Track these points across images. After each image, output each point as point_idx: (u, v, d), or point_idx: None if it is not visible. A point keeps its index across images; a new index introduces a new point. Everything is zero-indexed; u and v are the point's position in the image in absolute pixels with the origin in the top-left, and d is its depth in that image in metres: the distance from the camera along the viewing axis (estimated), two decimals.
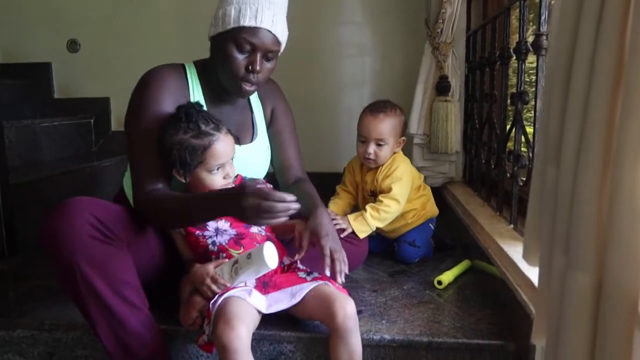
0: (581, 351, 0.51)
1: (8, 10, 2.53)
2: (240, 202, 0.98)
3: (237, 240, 1.18)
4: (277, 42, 1.22)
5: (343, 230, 1.41)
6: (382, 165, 1.54)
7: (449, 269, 1.45)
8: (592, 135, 0.48)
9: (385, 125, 1.50)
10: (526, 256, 0.62)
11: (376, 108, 1.52)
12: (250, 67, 1.17)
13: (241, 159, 1.25)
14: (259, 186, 1.00)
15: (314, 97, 2.45)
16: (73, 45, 2.56)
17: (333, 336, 1.05)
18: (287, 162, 1.40)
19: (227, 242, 1.17)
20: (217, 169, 1.13)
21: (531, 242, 0.60)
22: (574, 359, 0.51)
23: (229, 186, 1.15)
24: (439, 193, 2.00)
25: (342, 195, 1.62)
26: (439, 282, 1.38)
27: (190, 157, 1.09)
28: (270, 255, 1.03)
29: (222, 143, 1.12)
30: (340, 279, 1.16)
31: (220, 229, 1.18)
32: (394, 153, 1.56)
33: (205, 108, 1.19)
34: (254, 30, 1.16)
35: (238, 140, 1.25)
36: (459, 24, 1.94)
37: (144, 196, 1.13)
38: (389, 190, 1.49)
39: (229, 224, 1.19)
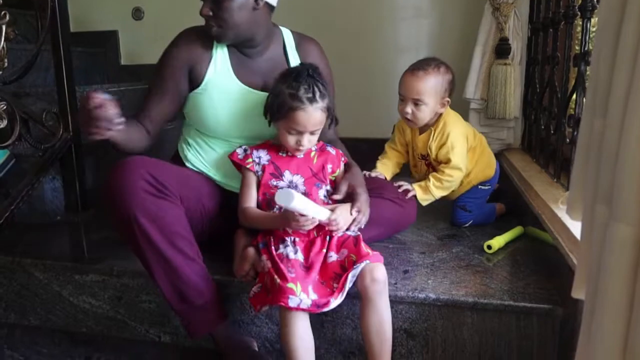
0: (619, 303, 0.50)
1: None
2: None
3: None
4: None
5: (409, 191, 1.45)
6: (432, 129, 1.50)
7: (500, 234, 1.44)
8: None
9: (423, 84, 1.42)
10: (570, 210, 0.61)
11: (417, 65, 1.45)
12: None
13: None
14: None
15: (368, 61, 2.43)
16: (137, 13, 2.66)
17: (362, 299, 1.08)
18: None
19: None
20: (293, 133, 1.18)
21: (575, 195, 0.59)
22: (612, 311, 0.51)
23: (300, 153, 1.23)
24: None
25: (390, 155, 1.61)
26: (489, 247, 1.37)
27: (277, 108, 1.17)
28: (288, 197, 1.03)
29: (305, 114, 1.15)
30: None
31: (293, 183, 1.23)
32: (440, 114, 1.50)
33: (230, 64, 1.30)
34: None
35: (263, 88, 1.32)
36: None
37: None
38: (448, 161, 1.47)
39: (303, 180, 1.24)
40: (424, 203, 1.46)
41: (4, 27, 1.47)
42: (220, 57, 1.32)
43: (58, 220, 1.71)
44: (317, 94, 1.16)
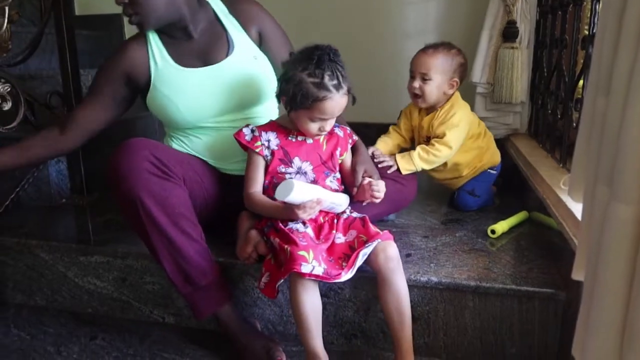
0: (619, 283, 0.50)
1: None
2: None
3: (310, 183, 1.20)
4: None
5: (389, 167, 1.42)
6: (439, 109, 1.51)
7: (504, 219, 1.43)
8: None
9: (432, 60, 1.45)
10: (571, 191, 0.60)
11: (429, 45, 1.49)
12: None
13: (217, 77, 1.28)
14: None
15: (374, 46, 2.40)
16: None
17: (378, 278, 1.09)
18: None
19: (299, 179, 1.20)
20: (317, 120, 1.14)
21: (577, 176, 0.58)
22: (611, 291, 0.51)
23: (319, 136, 1.20)
24: (501, 145, 1.93)
25: (393, 136, 1.61)
26: (492, 231, 1.37)
27: (301, 99, 1.10)
28: (291, 190, 1.05)
29: (333, 102, 1.11)
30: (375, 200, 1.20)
31: (302, 169, 1.21)
32: (450, 97, 1.52)
33: (165, 52, 1.28)
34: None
35: (206, 63, 1.29)
36: None
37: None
38: (443, 135, 1.47)
39: (312, 167, 1.21)
40: (405, 172, 1.43)
41: (7, 9, 1.47)
42: (157, 51, 1.29)
43: (63, 203, 1.72)
44: (341, 79, 1.11)
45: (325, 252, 1.10)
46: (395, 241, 1.33)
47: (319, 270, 1.02)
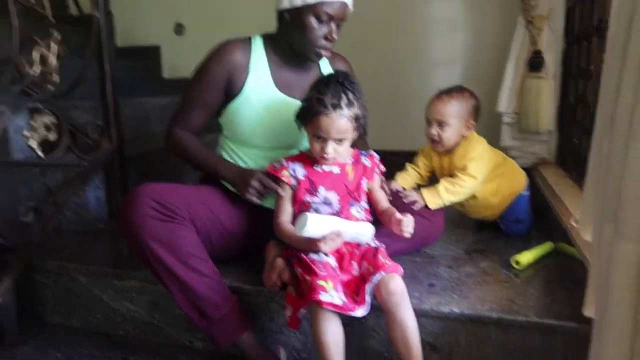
0: (625, 320, 0.51)
1: None
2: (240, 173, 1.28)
3: (336, 215, 1.23)
4: (349, 9, 1.32)
5: (415, 202, 1.44)
6: (456, 147, 1.53)
7: (529, 249, 1.42)
8: None
9: (448, 107, 1.49)
10: (581, 228, 0.62)
11: (442, 91, 1.53)
12: (328, 37, 1.29)
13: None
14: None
15: (401, 75, 2.45)
16: (179, 29, 2.78)
17: (383, 310, 1.09)
18: None
19: (326, 213, 1.23)
20: (317, 139, 1.19)
21: (586, 214, 0.60)
22: (617, 328, 0.52)
23: (327, 162, 1.23)
24: (528, 174, 1.94)
25: (411, 173, 1.63)
26: (517, 262, 1.37)
27: (304, 114, 1.20)
28: (305, 225, 1.12)
29: (328, 120, 1.15)
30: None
31: (327, 199, 1.24)
32: (465, 136, 1.54)
33: (270, 73, 1.35)
34: (332, 3, 1.27)
35: (298, 95, 1.34)
36: None
37: (173, 131, 1.41)
38: (464, 168, 1.49)
39: (337, 197, 1.24)
40: (432, 206, 1.45)
41: (54, 45, 1.58)
42: (260, 67, 1.36)
43: (101, 228, 1.80)
44: (344, 102, 1.16)
45: (343, 284, 1.12)
46: (419, 271, 1.36)
47: (337, 300, 1.04)
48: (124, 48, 2.85)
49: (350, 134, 1.20)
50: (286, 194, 1.25)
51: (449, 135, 1.51)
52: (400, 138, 2.36)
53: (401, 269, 1.13)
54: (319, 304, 1.03)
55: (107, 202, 1.82)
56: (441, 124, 1.50)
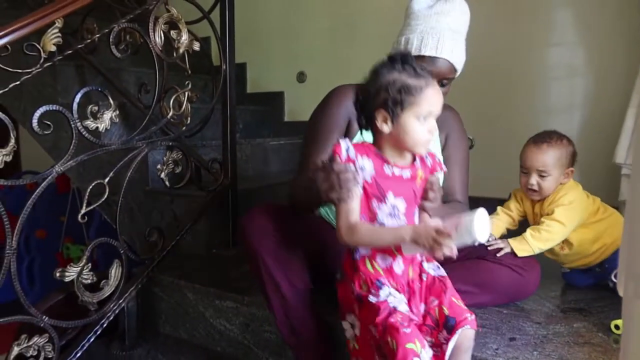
0: None
1: (257, 49, 3.13)
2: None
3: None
4: (454, 70, 1.33)
5: (500, 249, 1.39)
6: (553, 193, 1.46)
7: None
8: None
9: (549, 156, 1.43)
10: (618, 286, 0.59)
11: (539, 138, 1.47)
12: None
13: None
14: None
15: (516, 124, 2.38)
16: (301, 77, 3.03)
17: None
18: (449, 188, 1.43)
19: (389, 224, 1.05)
20: (425, 118, 1.01)
21: (621, 272, 0.57)
22: None
23: (429, 144, 1.04)
24: None
25: (502, 217, 1.57)
26: (617, 327, 1.25)
27: (404, 95, 1.00)
28: (481, 226, 0.90)
29: (435, 90, 1.02)
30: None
31: (396, 208, 1.04)
32: (562, 183, 1.47)
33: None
34: (433, 59, 1.29)
35: None
36: None
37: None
38: (551, 212, 1.42)
39: (405, 206, 1.05)
40: (520, 253, 1.39)
41: (187, 93, 1.86)
42: None
43: (213, 253, 2.01)
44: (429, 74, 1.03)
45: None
46: (504, 323, 1.32)
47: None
48: (253, 94, 3.18)
49: None
50: (359, 190, 1.03)
51: (549, 184, 1.46)
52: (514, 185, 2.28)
53: (475, 321, 1.02)
54: None
55: (220, 231, 2.03)
56: (542, 174, 1.45)
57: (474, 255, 1.39)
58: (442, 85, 1.30)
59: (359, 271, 1.05)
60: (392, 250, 1.03)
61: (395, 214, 1.04)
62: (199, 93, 2.06)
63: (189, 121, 1.90)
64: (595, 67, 2.22)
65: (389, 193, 1.03)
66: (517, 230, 1.54)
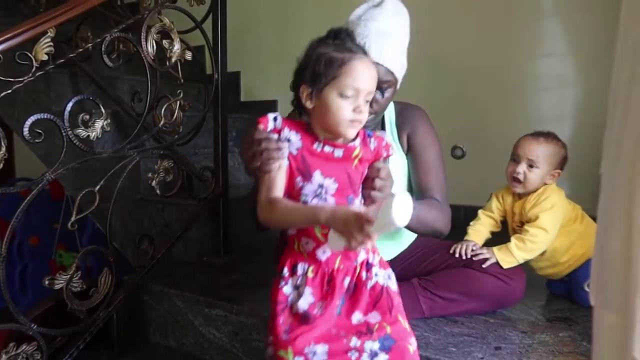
0: None
1: (251, 58, 3.14)
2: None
3: None
4: (388, 72, 1.25)
5: (486, 260, 1.39)
6: (532, 194, 1.47)
7: None
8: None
9: (542, 149, 1.44)
10: (590, 296, 0.60)
11: (538, 132, 1.49)
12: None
13: None
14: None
15: (506, 134, 2.39)
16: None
17: None
18: (423, 187, 1.40)
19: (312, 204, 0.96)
20: (349, 96, 0.93)
21: (593, 282, 0.59)
22: None
23: (356, 125, 0.94)
24: None
25: (484, 221, 1.57)
26: None
27: (325, 68, 0.93)
28: (401, 209, 0.79)
29: (363, 64, 0.94)
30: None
31: (324, 188, 0.95)
32: (546, 184, 1.48)
33: None
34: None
35: None
36: None
37: None
38: (536, 219, 1.43)
39: (335, 187, 0.96)
40: (506, 265, 1.39)
41: (180, 102, 1.87)
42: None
43: (204, 261, 2.01)
44: (365, 51, 0.99)
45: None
46: (490, 332, 1.33)
47: None
48: (247, 102, 3.20)
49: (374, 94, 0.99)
50: (284, 162, 0.95)
51: (535, 177, 1.45)
52: None
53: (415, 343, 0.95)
54: None
55: (211, 239, 2.03)
56: (531, 164, 1.45)
57: (461, 264, 1.40)
58: (382, 91, 1.25)
59: (290, 248, 1.00)
60: (315, 235, 0.96)
61: (321, 194, 0.95)
62: (192, 101, 2.08)
63: (181, 129, 1.91)
64: (585, 77, 2.24)
65: (315, 171, 0.96)
66: (501, 232, 1.56)
